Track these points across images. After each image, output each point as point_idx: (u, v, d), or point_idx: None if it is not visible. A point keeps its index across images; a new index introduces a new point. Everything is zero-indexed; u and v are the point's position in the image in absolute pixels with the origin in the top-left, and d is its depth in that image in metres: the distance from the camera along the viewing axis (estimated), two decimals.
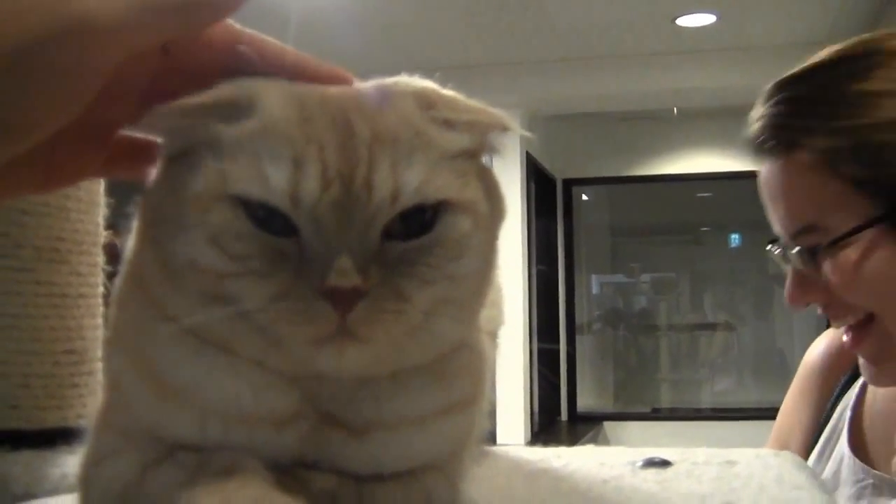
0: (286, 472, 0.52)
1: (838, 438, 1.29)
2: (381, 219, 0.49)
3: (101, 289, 0.96)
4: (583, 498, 0.70)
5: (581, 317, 7.51)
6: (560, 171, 7.11)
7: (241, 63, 0.53)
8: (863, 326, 1.06)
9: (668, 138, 6.98)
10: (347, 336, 0.48)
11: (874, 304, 1.04)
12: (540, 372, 6.16)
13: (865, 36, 1.07)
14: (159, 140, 0.53)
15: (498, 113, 0.54)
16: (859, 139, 1.01)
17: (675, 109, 6.58)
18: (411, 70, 0.60)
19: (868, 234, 1.00)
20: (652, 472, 0.80)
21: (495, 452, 0.89)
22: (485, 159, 0.56)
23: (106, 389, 0.60)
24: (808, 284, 1.08)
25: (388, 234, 0.49)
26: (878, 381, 1.14)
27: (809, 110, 1.05)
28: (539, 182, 6.57)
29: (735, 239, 8.89)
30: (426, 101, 0.53)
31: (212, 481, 0.49)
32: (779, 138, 1.06)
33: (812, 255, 1.04)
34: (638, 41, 5.36)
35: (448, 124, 0.52)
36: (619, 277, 8.82)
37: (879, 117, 1.00)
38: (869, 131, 1.00)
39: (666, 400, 8.00)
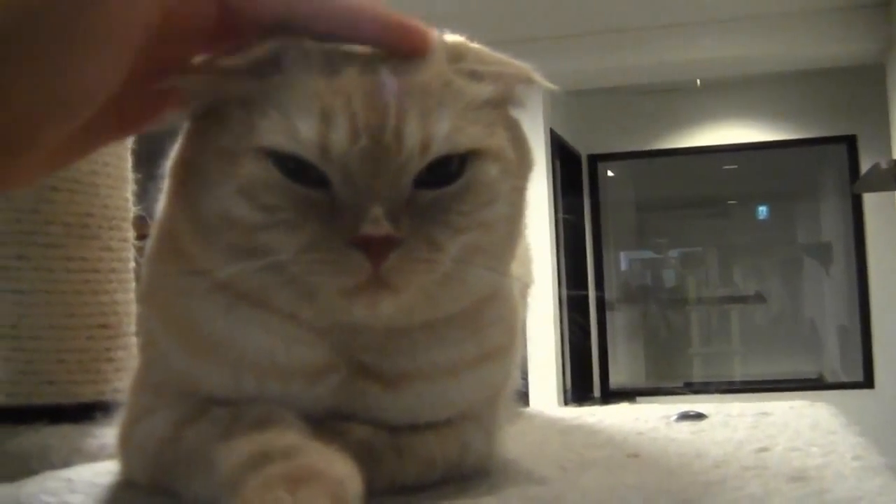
0: (322, 425, 0.53)
1: None
2: (412, 168, 0.49)
3: (132, 263, 0.96)
4: (617, 448, 0.70)
5: (610, 294, 7.47)
6: (585, 147, 7.05)
7: (300, 14, 0.51)
8: None
9: (692, 110, 6.90)
10: (380, 285, 0.48)
11: None
12: (571, 332, 6.07)
13: None
14: (187, 99, 0.53)
15: (522, 65, 0.55)
16: None
17: (698, 81, 6.51)
18: None
19: None
20: (687, 424, 0.80)
21: (529, 412, 0.89)
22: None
23: (141, 349, 0.61)
24: None
25: (419, 183, 0.49)
26: None
27: None
28: (564, 159, 6.51)
29: (763, 211, 8.82)
30: (455, 54, 0.53)
31: (248, 432, 0.49)
32: None
33: None
34: (659, 12, 5.30)
35: (475, 75, 0.52)
36: (647, 253, 8.77)
37: None
38: None
39: (698, 374, 7.95)
